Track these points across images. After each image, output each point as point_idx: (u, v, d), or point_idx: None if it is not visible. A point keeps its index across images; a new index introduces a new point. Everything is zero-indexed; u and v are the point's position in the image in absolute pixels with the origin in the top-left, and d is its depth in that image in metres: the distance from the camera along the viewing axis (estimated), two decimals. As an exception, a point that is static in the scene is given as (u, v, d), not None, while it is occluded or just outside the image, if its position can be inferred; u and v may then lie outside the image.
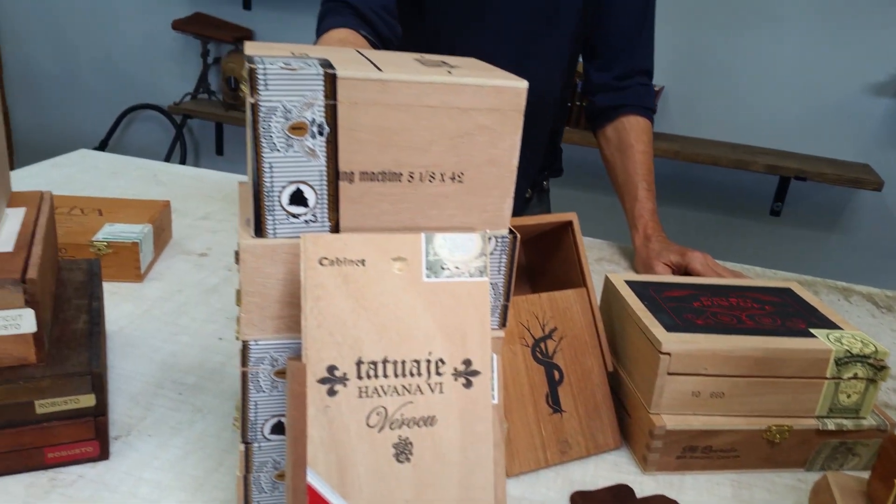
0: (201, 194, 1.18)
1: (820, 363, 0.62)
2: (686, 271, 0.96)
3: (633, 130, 1.11)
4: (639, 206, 1.05)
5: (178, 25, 2.90)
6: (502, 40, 1.07)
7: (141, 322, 0.78)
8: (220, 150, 3.21)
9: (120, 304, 0.81)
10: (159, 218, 0.94)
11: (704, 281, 0.75)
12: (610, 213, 2.08)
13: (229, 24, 2.94)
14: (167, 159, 3.21)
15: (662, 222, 1.07)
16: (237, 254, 0.53)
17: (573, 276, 0.68)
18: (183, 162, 3.21)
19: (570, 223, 0.69)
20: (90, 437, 0.56)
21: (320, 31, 0.94)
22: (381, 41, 0.97)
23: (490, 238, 0.46)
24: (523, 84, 0.43)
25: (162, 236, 0.95)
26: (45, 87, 3.45)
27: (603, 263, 1.04)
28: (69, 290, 0.67)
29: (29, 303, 0.53)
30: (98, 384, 0.55)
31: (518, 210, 1.16)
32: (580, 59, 1.20)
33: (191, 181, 1.24)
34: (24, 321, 0.54)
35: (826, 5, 2.37)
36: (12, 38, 3.42)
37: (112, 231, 0.87)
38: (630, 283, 0.71)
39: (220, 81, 3.01)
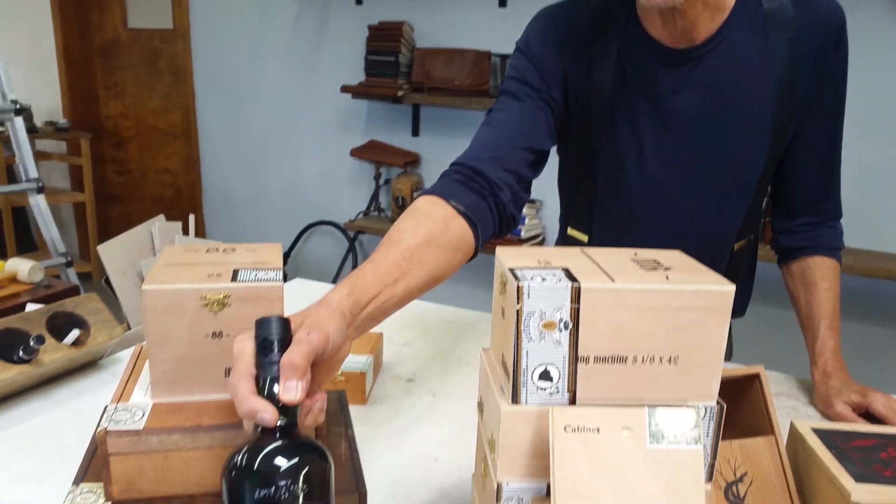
0: (400, 323, 1.35)
1: None
2: (867, 412, 0.98)
3: (818, 269, 1.11)
4: (820, 343, 1.07)
5: (356, 153, 3.27)
6: (675, 211, 1.10)
7: (371, 444, 0.93)
8: (386, 260, 3.51)
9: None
10: (377, 348, 1.11)
11: (890, 430, 0.79)
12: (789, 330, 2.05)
13: (399, 150, 3.27)
14: (340, 267, 3.54)
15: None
16: (480, 405, 0.66)
17: (761, 425, 0.75)
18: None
19: (757, 375, 0.77)
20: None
21: (422, 192, 0.95)
22: (497, 208, 0.96)
23: (701, 408, 0.55)
24: (730, 288, 0.54)
25: (377, 363, 1.12)
26: (238, 206, 3.96)
27: (781, 398, 1.08)
28: (328, 417, 0.83)
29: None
30: (363, 501, 0.70)
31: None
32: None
33: (390, 309, 1.42)
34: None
35: None
36: (212, 164, 3.99)
37: (344, 362, 1.04)
38: (816, 432, 0.77)
39: (389, 200, 3.32)
